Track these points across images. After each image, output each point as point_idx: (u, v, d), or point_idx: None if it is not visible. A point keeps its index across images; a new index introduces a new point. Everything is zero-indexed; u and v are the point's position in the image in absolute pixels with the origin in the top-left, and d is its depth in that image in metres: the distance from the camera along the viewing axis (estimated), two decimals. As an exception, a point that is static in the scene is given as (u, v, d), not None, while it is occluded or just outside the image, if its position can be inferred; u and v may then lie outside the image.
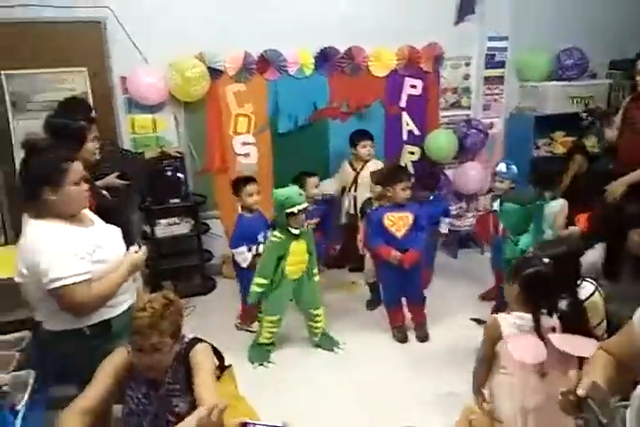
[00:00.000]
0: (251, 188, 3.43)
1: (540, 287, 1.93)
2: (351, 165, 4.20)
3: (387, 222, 3.33)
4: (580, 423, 1.16)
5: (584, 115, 3.69)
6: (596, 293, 2.10)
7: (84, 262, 1.92)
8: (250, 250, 3.37)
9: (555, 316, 1.96)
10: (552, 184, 3.53)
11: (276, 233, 3.13)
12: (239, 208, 3.55)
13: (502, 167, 3.77)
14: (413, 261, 3.32)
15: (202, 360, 1.88)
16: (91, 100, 3.75)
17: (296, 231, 3.06)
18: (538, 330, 1.89)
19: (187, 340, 1.94)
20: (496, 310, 3.37)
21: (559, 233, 3.25)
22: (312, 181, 3.73)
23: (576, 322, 1.96)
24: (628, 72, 4.73)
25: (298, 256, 3.16)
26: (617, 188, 3.34)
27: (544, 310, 1.94)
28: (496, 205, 3.55)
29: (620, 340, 1.32)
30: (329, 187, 4.17)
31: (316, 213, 3.84)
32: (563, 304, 2.00)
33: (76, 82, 3.72)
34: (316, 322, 3.36)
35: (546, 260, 1.97)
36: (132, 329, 1.79)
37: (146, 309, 1.76)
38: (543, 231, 3.32)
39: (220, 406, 1.55)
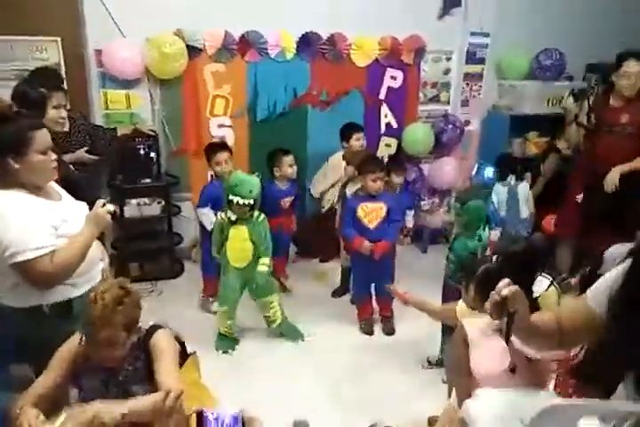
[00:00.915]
0: (220, 155, 3.44)
1: (494, 284, 1.91)
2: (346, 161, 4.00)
3: (360, 213, 3.32)
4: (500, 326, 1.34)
5: (570, 99, 3.73)
6: (551, 287, 2.11)
7: (47, 236, 1.85)
8: (215, 214, 3.28)
9: None
10: (514, 167, 3.93)
11: (221, 213, 3.09)
12: (210, 178, 3.63)
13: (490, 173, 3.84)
14: (384, 251, 3.30)
15: (163, 347, 1.82)
16: (63, 72, 3.64)
17: (233, 217, 2.99)
18: (502, 331, 1.87)
19: (146, 327, 1.87)
20: None
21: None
22: (287, 160, 3.66)
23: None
24: (603, 75, 4.85)
25: (237, 242, 3.08)
26: (614, 176, 3.38)
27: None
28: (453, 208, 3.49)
29: (570, 305, 1.43)
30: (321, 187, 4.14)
31: (291, 191, 3.79)
32: None
33: (48, 52, 3.60)
34: (270, 309, 3.30)
35: (493, 257, 1.98)
36: (84, 320, 1.71)
37: (98, 301, 1.66)
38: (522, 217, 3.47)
39: (175, 392, 1.52)
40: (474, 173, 3.99)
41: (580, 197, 3.67)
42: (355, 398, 2.83)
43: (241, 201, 2.89)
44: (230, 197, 2.91)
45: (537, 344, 1.50)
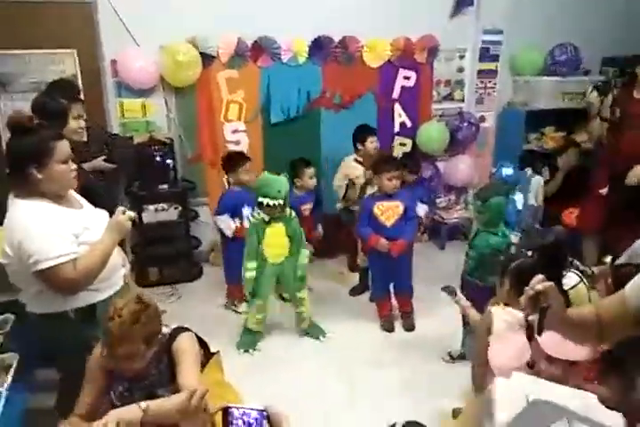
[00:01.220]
0: (249, 164, 3.54)
1: (528, 279, 1.91)
2: (360, 163, 3.95)
3: (376, 211, 3.34)
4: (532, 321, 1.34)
5: (594, 93, 3.69)
6: (581, 283, 2.11)
7: (69, 243, 1.90)
8: (233, 220, 3.33)
9: None
10: (534, 162, 4.07)
11: (255, 214, 3.14)
12: (227, 184, 3.65)
13: (508, 171, 3.82)
14: (401, 250, 3.32)
15: (185, 350, 1.84)
16: (80, 83, 3.71)
17: (266, 217, 3.04)
18: (528, 329, 1.83)
19: (169, 330, 1.89)
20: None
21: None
22: (309, 172, 3.69)
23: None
24: (620, 69, 4.78)
25: (274, 239, 3.14)
26: (631, 178, 3.36)
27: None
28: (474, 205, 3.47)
29: (610, 300, 1.39)
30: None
31: (309, 198, 3.79)
32: None
33: (65, 64, 3.68)
34: (303, 306, 3.36)
35: (529, 252, 1.97)
36: (103, 338, 1.74)
37: (115, 318, 1.67)
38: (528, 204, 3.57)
39: (200, 392, 1.54)
40: (494, 171, 3.99)
41: (604, 191, 3.63)
42: (377, 392, 2.86)
43: (271, 202, 2.93)
44: (260, 199, 2.95)
45: (576, 338, 1.49)
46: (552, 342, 1.78)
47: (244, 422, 1.25)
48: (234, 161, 3.56)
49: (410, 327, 3.53)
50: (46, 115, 2.60)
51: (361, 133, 3.98)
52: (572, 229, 4.07)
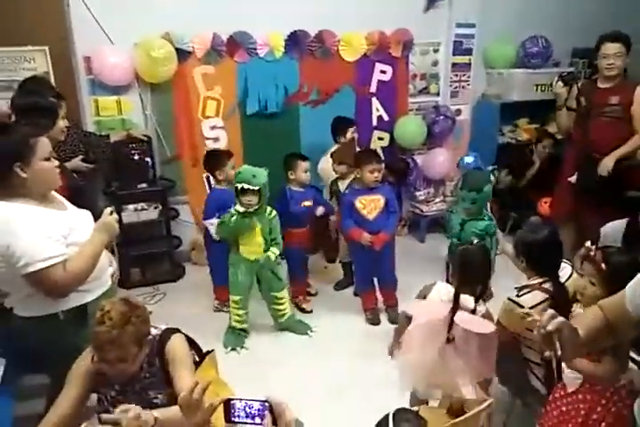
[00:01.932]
0: (233, 160, 3.49)
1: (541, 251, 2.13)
2: None
3: (358, 205, 3.34)
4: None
5: (560, 83, 3.77)
6: (574, 272, 2.16)
7: (57, 245, 1.85)
8: None
9: (485, 304, 2.10)
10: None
11: (233, 208, 3.07)
12: (211, 183, 3.63)
13: (469, 160, 3.86)
14: (384, 243, 3.33)
15: (179, 354, 1.82)
16: (52, 81, 3.61)
17: (241, 209, 2.99)
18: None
19: (159, 331, 1.86)
20: None
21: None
22: (303, 165, 3.60)
23: (565, 303, 2.02)
24: (589, 60, 4.89)
25: (249, 235, 3.10)
26: (609, 161, 3.42)
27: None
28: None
29: (614, 301, 1.38)
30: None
31: (309, 196, 3.68)
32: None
33: (36, 61, 3.57)
34: (280, 304, 3.34)
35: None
36: (92, 342, 1.69)
37: (104, 321, 1.62)
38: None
39: (201, 385, 1.53)
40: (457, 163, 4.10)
41: (573, 179, 3.71)
42: (365, 384, 2.88)
43: (246, 186, 2.91)
44: (236, 184, 2.95)
45: (594, 349, 1.49)
46: (464, 318, 1.99)
47: (247, 414, 1.25)
48: (219, 159, 3.49)
49: (395, 320, 3.53)
50: (37, 114, 2.53)
51: (341, 125, 3.99)
52: (547, 219, 4.16)
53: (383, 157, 4.38)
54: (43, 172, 1.89)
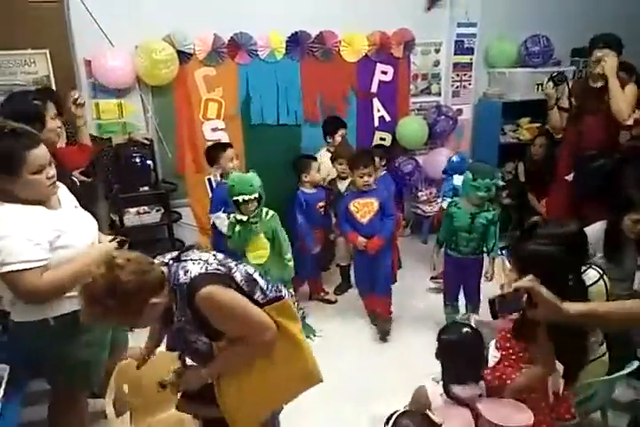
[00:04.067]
0: (230, 151, 3.44)
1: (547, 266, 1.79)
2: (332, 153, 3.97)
3: (352, 209, 3.31)
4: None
5: (550, 84, 3.76)
6: (601, 280, 2.12)
7: (38, 249, 1.80)
8: (229, 216, 3.23)
9: (481, 383, 1.88)
10: None
11: (232, 216, 3.06)
12: (212, 185, 3.61)
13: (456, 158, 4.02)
14: (377, 247, 3.26)
15: (215, 313, 1.62)
16: (53, 84, 3.60)
17: (243, 218, 2.97)
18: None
19: (187, 280, 1.61)
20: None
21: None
22: (315, 165, 3.61)
23: None
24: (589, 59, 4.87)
25: (253, 242, 3.07)
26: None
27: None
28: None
29: None
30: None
31: (322, 197, 3.69)
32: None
33: (37, 65, 3.55)
34: None
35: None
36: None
37: (83, 300, 1.51)
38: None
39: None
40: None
41: (569, 177, 3.70)
42: (369, 387, 2.87)
43: (245, 197, 2.87)
44: (234, 198, 2.90)
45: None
46: (493, 410, 1.78)
47: None
48: (215, 150, 3.48)
49: (384, 333, 3.43)
50: (22, 120, 2.50)
51: (332, 125, 3.99)
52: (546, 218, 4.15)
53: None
54: (31, 184, 1.84)
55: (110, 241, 2.09)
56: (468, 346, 1.85)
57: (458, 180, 3.83)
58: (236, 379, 1.76)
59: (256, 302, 1.72)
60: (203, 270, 1.63)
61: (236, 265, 1.77)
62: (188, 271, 1.63)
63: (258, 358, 1.76)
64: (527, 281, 1.37)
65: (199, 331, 1.69)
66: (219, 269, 1.67)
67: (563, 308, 1.34)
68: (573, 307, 1.36)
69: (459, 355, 1.83)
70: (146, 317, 1.60)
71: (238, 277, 1.72)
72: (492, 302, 1.41)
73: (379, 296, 3.44)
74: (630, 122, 3.41)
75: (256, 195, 2.90)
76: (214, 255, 1.75)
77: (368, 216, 3.29)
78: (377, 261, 3.35)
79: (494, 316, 1.41)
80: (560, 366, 1.94)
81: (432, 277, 3.96)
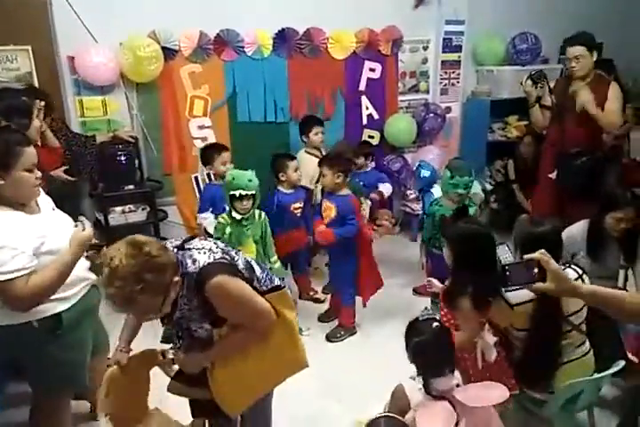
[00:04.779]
0: (226, 155, 3.42)
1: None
2: (310, 154, 3.91)
3: (324, 206, 3.29)
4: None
5: (529, 82, 3.77)
6: (579, 280, 2.11)
7: (24, 257, 1.78)
8: (216, 217, 3.19)
9: (456, 373, 1.86)
10: None
11: (223, 215, 3.02)
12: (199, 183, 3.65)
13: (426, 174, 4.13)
14: (323, 237, 3.17)
15: (225, 302, 1.66)
16: (36, 81, 3.55)
17: (238, 216, 2.93)
18: (430, 393, 1.79)
19: (196, 269, 1.62)
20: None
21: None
22: (293, 164, 3.52)
23: (551, 308, 2.00)
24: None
25: (243, 245, 3.01)
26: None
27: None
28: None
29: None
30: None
31: (299, 197, 3.59)
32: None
33: (19, 61, 3.50)
34: None
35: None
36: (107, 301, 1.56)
37: (112, 282, 1.47)
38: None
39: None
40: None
41: (553, 175, 3.71)
42: (354, 385, 2.86)
43: (243, 192, 2.83)
44: (231, 192, 2.86)
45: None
46: (470, 396, 1.77)
47: None
48: (212, 150, 3.45)
49: (328, 337, 3.38)
50: (11, 114, 2.48)
51: (306, 123, 3.93)
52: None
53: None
54: (21, 182, 1.85)
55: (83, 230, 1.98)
56: (440, 343, 1.83)
57: (438, 191, 3.84)
58: (232, 364, 1.81)
59: (255, 290, 1.77)
60: (210, 260, 1.66)
61: (236, 253, 1.81)
62: (195, 261, 1.64)
63: (255, 344, 1.82)
64: (538, 253, 1.37)
65: (203, 318, 1.72)
66: (224, 258, 1.70)
67: (574, 283, 1.38)
68: (585, 286, 1.43)
69: (434, 353, 1.80)
70: (168, 298, 1.60)
71: (240, 265, 1.76)
72: (504, 270, 1.39)
73: (342, 304, 3.40)
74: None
75: (253, 191, 2.87)
76: (215, 244, 1.77)
77: (327, 220, 3.23)
78: (336, 264, 3.37)
79: (504, 284, 1.42)
80: (492, 339, 2.07)
81: (414, 290, 3.94)
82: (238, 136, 4.21)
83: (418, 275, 4.02)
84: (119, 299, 1.51)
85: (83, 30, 3.57)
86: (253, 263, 1.86)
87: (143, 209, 3.88)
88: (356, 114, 4.59)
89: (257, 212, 3.05)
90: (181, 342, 1.87)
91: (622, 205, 2.60)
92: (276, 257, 3.15)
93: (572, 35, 3.54)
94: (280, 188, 3.54)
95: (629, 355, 2.42)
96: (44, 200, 2.06)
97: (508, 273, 1.39)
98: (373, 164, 4.40)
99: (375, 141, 4.70)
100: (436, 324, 1.84)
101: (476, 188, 3.60)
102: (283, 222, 3.46)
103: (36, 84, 3.54)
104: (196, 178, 4.16)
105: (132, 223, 3.86)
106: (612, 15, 5.10)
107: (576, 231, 2.75)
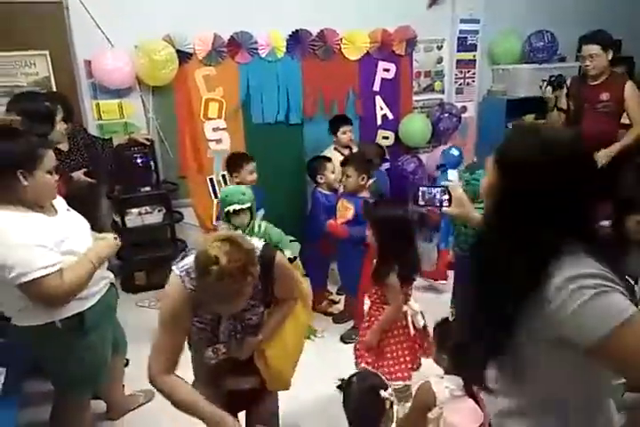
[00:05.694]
0: (252, 165, 3.43)
1: None
2: (338, 152, 3.96)
3: (339, 205, 3.31)
4: None
5: (549, 88, 3.74)
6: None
7: (52, 253, 1.83)
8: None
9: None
10: None
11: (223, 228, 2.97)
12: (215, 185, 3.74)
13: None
14: (333, 230, 3.22)
15: (287, 272, 1.85)
16: (53, 85, 3.61)
17: (238, 231, 2.87)
18: (470, 392, 1.77)
19: (258, 251, 1.69)
20: None
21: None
22: (330, 166, 3.57)
23: None
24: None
25: None
26: (602, 158, 3.40)
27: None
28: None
29: None
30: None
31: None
32: None
33: (37, 66, 3.56)
34: None
35: None
36: (210, 296, 1.59)
37: (222, 278, 1.49)
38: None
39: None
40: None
41: None
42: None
43: (237, 207, 2.79)
44: (227, 208, 2.82)
45: None
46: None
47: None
48: (237, 160, 3.46)
49: (345, 338, 3.37)
50: (35, 119, 2.53)
51: (335, 123, 3.97)
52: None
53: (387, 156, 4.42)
54: (43, 183, 1.89)
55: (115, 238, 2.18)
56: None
57: (452, 175, 3.80)
58: (278, 338, 1.93)
59: None
60: (263, 242, 1.85)
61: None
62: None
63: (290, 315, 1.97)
64: (452, 184, 1.65)
65: (261, 303, 1.81)
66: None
67: (470, 210, 1.63)
68: (477, 215, 1.63)
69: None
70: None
71: None
72: (418, 190, 1.70)
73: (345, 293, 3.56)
74: None
75: (248, 204, 2.83)
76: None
77: (342, 220, 3.24)
78: (343, 262, 3.45)
79: (415, 202, 1.73)
80: (418, 307, 2.42)
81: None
82: (253, 138, 4.22)
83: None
84: (229, 294, 1.56)
85: (99, 35, 3.62)
86: None
87: (159, 211, 3.92)
88: (370, 114, 4.58)
89: (257, 223, 2.96)
90: (236, 338, 1.85)
91: None
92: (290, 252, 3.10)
93: (588, 33, 3.53)
94: (320, 189, 3.59)
95: None
96: (59, 202, 2.10)
97: (420, 193, 1.67)
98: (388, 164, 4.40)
99: (390, 142, 4.68)
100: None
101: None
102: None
103: (54, 89, 3.60)
104: (212, 180, 4.18)
105: (149, 225, 3.90)
106: (630, 12, 5.02)
107: None
